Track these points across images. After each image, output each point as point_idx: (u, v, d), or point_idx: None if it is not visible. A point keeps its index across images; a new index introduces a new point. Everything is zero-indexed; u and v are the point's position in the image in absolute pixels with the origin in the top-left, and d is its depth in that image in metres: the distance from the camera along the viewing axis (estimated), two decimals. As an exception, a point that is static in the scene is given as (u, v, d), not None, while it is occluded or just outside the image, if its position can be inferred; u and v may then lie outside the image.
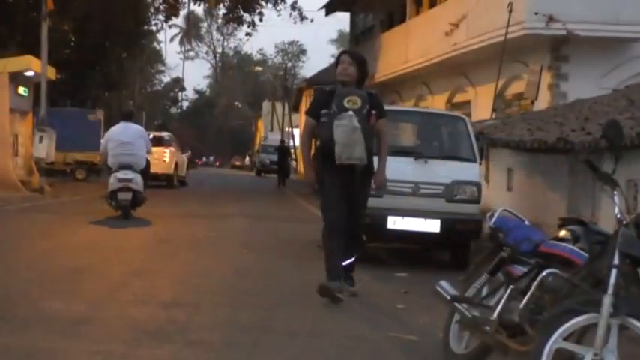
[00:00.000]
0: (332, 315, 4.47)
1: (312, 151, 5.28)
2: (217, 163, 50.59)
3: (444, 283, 3.62)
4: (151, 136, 13.06)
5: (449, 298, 3.56)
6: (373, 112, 4.81)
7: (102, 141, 10.59)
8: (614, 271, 2.82)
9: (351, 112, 4.68)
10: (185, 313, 4.27)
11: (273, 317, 4.35)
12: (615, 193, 3.03)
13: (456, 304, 3.53)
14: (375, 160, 4.96)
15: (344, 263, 4.86)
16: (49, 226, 8.95)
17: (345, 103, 4.72)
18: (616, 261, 2.83)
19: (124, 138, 9.45)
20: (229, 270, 6.13)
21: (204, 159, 48.37)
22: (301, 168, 32.06)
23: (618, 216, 2.92)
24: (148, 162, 10.00)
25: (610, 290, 2.76)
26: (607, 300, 2.72)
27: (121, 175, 9.09)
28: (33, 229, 8.63)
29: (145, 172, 9.79)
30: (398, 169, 5.96)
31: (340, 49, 26.17)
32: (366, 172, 4.88)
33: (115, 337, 3.63)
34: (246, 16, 18.64)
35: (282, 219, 11.68)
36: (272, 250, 7.74)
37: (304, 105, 33.49)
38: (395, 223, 6.39)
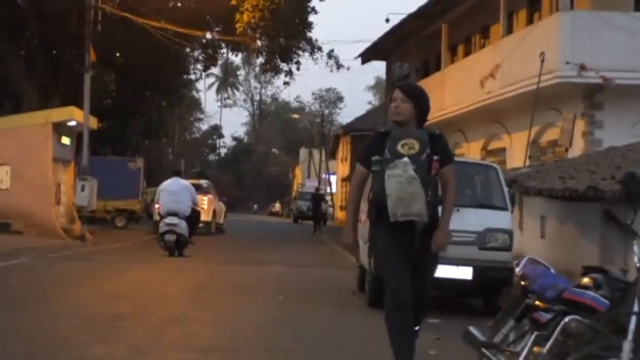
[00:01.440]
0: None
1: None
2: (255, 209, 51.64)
3: (472, 329, 3.77)
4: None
5: (479, 343, 3.70)
6: (435, 157, 4.01)
7: (157, 192, 12.71)
8: (633, 318, 2.96)
9: (406, 159, 3.92)
10: (222, 359, 4.44)
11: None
12: (635, 242, 3.16)
13: (484, 349, 3.67)
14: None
15: None
16: (90, 273, 9.36)
17: (400, 148, 3.96)
18: (636, 308, 2.98)
19: (173, 188, 11.71)
20: (265, 317, 6.31)
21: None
22: (339, 216, 32.31)
23: (638, 265, 3.05)
24: (196, 212, 12.42)
25: (630, 337, 2.92)
26: (627, 346, 2.89)
27: (168, 220, 11.31)
28: (75, 276, 9.01)
29: (192, 220, 11.83)
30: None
31: (377, 95, 26.79)
32: (427, 232, 4.02)
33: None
34: (284, 65, 19.19)
35: (317, 265, 11.99)
36: (307, 296, 7.97)
37: (341, 152, 34.29)
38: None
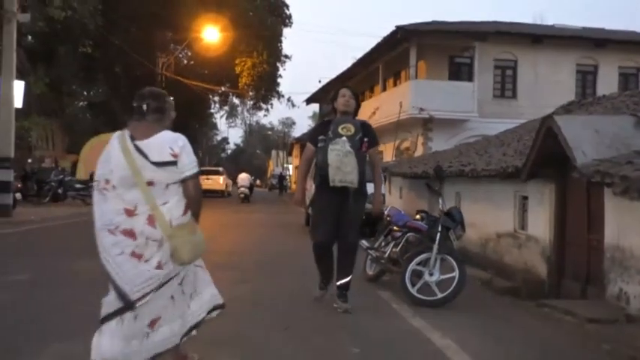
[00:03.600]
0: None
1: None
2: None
3: (363, 241, 6.31)
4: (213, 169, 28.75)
5: (365, 247, 6.41)
6: (365, 139, 4.87)
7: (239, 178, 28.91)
8: (438, 234, 5.46)
9: (344, 138, 4.75)
10: (237, 257, 9.04)
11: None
12: (440, 199, 5.82)
13: (369, 250, 6.45)
14: (369, 187, 5.18)
15: (339, 283, 5.10)
16: None
17: (340, 130, 4.79)
18: (439, 229, 5.49)
19: (242, 176, 29.04)
20: (254, 236, 11.34)
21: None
22: (293, 187, 50.31)
23: (440, 208, 5.77)
24: (252, 185, 30.66)
25: (436, 242, 5.43)
26: (435, 247, 5.42)
27: (242, 189, 27.65)
28: None
29: (250, 188, 29.59)
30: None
31: (317, 115, 41.19)
32: (359, 195, 4.92)
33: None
34: (264, 105, 32.21)
35: (281, 213, 20.38)
36: (275, 227, 13.69)
37: (294, 152, 50.03)
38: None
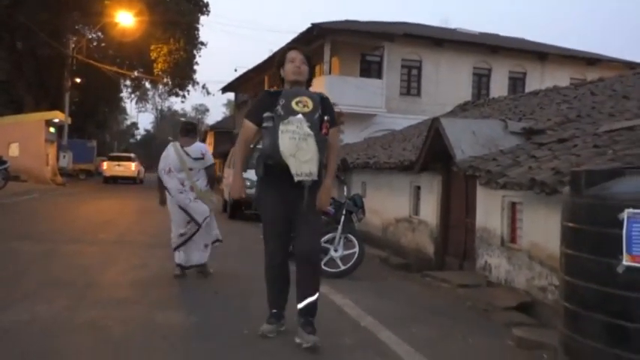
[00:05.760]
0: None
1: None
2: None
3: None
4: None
5: None
6: (326, 118, 3.66)
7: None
8: (343, 217, 6.53)
9: (300, 116, 3.53)
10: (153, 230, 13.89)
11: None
12: (345, 187, 7.24)
13: None
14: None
15: (300, 305, 3.70)
16: (72, 202, 16.77)
17: (294, 105, 3.55)
18: (344, 213, 6.55)
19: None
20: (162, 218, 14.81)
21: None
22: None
23: (345, 194, 6.99)
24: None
25: (341, 224, 6.51)
26: (340, 227, 6.51)
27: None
28: (68, 202, 16.38)
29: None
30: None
31: (233, 103, 44.45)
32: (315, 188, 3.68)
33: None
34: (180, 92, 31.60)
35: None
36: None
37: (208, 140, 47.65)
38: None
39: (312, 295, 3.72)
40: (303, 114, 3.57)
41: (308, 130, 3.54)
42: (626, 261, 2.50)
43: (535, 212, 5.56)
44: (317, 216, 3.85)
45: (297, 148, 3.51)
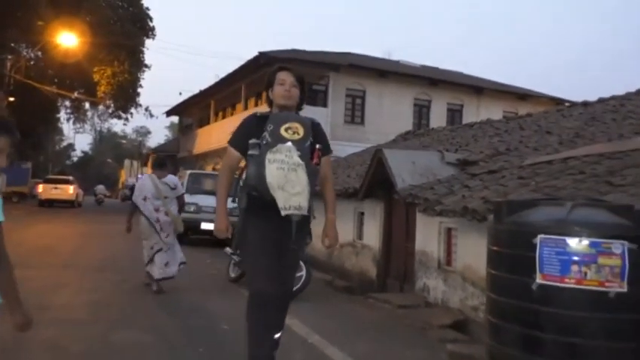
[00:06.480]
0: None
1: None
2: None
3: (227, 248, 7.94)
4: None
5: (229, 253, 7.88)
6: (318, 146, 3.33)
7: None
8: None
9: (289, 144, 3.17)
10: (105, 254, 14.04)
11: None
12: None
13: (232, 255, 7.84)
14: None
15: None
16: (9, 226, 17.42)
17: (283, 132, 3.19)
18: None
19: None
20: (112, 245, 15.57)
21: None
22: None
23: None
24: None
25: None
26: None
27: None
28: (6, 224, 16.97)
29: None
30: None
31: (177, 125, 42.47)
32: (303, 225, 3.36)
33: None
34: (123, 115, 31.50)
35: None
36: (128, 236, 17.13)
37: (149, 163, 47.44)
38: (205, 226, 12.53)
39: (279, 330, 3.43)
40: (293, 141, 3.18)
41: (298, 160, 3.17)
42: (539, 279, 2.96)
43: (468, 237, 6.08)
44: (299, 258, 3.56)
45: (286, 179, 3.15)
